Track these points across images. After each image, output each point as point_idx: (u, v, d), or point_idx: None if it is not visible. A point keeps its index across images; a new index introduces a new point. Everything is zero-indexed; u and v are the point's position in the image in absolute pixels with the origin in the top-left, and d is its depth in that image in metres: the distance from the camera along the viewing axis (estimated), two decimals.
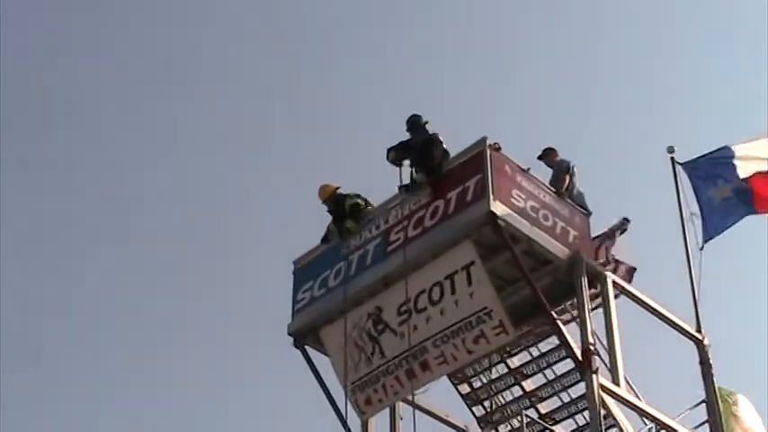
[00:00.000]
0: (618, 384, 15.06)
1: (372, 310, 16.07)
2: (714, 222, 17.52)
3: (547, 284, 15.63)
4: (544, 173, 16.64)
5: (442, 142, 16.08)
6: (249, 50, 40.30)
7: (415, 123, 16.44)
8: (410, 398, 16.29)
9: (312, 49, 39.66)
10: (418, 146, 16.19)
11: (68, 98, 39.08)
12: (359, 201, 16.73)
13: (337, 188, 17.01)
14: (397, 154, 16.38)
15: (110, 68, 39.18)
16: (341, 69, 40.17)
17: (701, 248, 17.28)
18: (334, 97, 39.92)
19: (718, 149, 17.86)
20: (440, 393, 16.74)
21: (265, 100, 40.27)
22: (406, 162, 16.47)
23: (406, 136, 16.52)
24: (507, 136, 16.16)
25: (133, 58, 39.64)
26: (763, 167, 17.58)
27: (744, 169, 17.56)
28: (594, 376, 14.74)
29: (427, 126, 16.36)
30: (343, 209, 16.71)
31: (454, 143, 16.29)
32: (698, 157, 17.89)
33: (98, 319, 37.63)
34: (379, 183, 17.19)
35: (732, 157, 17.68)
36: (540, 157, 16.96)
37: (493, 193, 15.15)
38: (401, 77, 40.37)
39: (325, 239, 17.03)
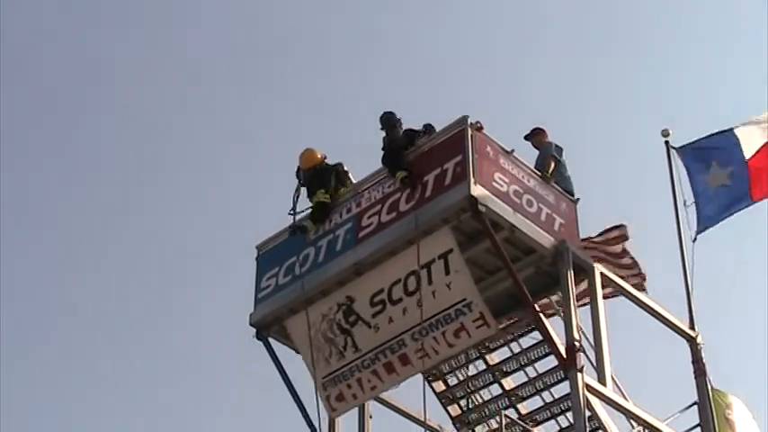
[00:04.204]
0: (604, 384, 14.54)
1: (343, 300, 15.42)
2: (709, 213, 16.95)
3: (530, 275, 15.10)
4: (529, 155, 15.99)
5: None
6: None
7: (387, 122, 15.78)
8: (390, 393, 15.93)
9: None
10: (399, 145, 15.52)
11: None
12: (325, 200, 15.78)
13: (324, 158, 16.23)
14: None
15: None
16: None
17: (694, 240, 16.76)
18: (309, 75, 39.16)
19: (721, 132, 17.19)
20: (412, 391, 16.10)
21: (233, 83, 39.45)
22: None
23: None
24: (490, 114, 15.65)
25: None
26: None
27: (749, 150, 16.89)
28: (579, 375, 14.24)
29: (400, 125, 15.75)
30: (321, 182, 15.87)
31: (434, 122, 15.70)
32: (696, 141, 17.23)
33: (60, 315, 36.70)
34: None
35: (734, 139, 17.03)
36: (527, 137, 16.38)
37: (473, 177, 14.54)
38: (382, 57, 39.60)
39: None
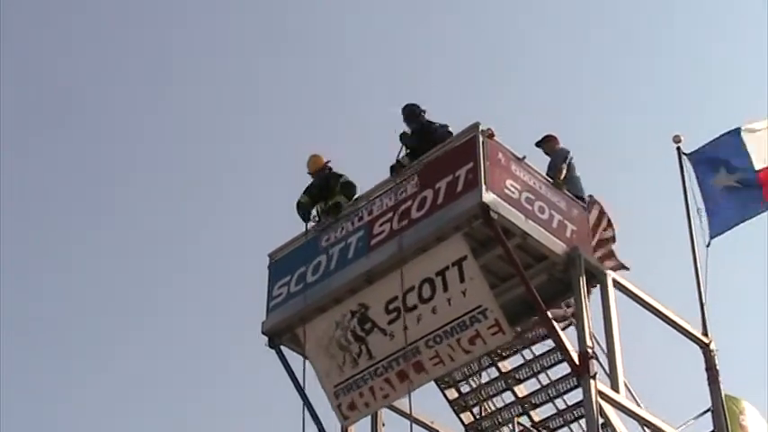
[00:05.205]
0: (617, 391, 14.46)
1: (356, 308, 15.37)
2: (721, 217, 16.68)
3: (542, 282, 14.99)
4: (540, 161, 15.98)
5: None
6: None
7: (411, 113, 16.02)
8: (404, 401, 15.54)
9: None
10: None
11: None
12: (341, 200, 16.04)
13: (327, 162, 16.40)
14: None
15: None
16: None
17: (708, 245, 16.58)
18: (317, 79, 39.20)
19: (727, 133, 17.04)
20: (424, 399, 16.08)
21: (242, 83, 39.48)
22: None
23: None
24: (502, 121, 15.58)
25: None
26: None
27: (759, 159, 16.71)
28: (592, 382, 14.15)
29: (424, 115, 16.00)
30: (328, 187, 16.10)
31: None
32: (705, 145, 17.16)
33: (67, 315, 36.76)
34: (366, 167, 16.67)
35: (741, 142, 16.87)
36: (538, 144, 16.32)
37: (485, 184, 14.47)
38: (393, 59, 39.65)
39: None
